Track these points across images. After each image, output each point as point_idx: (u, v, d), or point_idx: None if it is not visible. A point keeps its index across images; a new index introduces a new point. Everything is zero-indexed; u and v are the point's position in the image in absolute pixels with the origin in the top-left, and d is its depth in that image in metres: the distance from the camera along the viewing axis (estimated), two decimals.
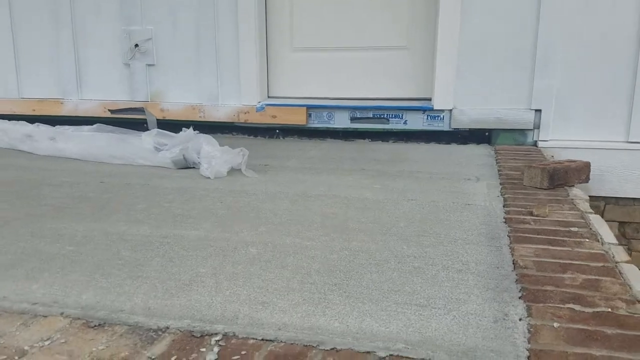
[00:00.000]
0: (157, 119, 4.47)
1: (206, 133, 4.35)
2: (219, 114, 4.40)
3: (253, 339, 1.26)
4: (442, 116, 4.02)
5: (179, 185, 2.77)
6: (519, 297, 1.49)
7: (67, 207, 2.35)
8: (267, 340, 1.26)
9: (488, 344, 1.26)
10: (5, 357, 1.14)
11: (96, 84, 4.61)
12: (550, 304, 1.43)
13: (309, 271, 1.66)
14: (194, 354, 1.19)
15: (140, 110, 4.49)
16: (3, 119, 4.54)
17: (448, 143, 4.02)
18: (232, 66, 4.36)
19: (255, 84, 4.36)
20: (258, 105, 4.32)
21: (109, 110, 4.53)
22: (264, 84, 4.49)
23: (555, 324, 1.33)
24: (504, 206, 2.36)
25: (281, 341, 1.25)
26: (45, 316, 1.35)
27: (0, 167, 3.20)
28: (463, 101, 3.93)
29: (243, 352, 1.20)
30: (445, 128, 4.03)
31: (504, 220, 2.17)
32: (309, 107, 4.29)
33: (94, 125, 4.11)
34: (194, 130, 3.55)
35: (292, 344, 1.24)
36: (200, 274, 1.63)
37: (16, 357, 1.15)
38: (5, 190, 2.65)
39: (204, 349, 1.21)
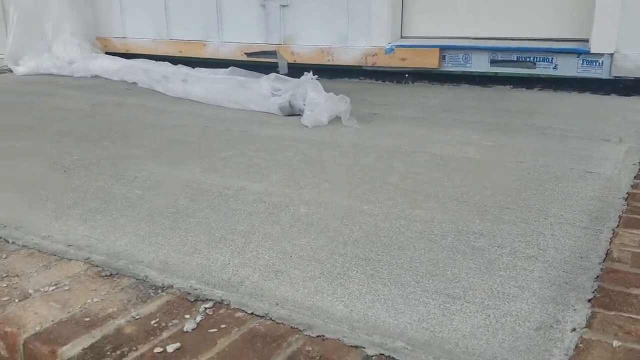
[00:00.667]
0: (287, 63, 4.49)
1: (333, 78, 4.30)
2: (347, 57, 4.25)
3: (242, 311, 1.18)
4: (600, 61, 3.39)
5: (273, 133, 2.74)
6: (588, 300, 1.19)
7: (159, 150, 2.46)
8: (256, 315, 1.17)
9: (510, 358, 1.02)
10: (7, 298, 1.22)
11: (235, 27, 4.74)
12: (624, 314, 1.12)
13: (347, 240, 1.51)
14: (175, 319, 1.15)
15: (273, 53, 4.53)
16: (156, 59, 4.94)
17: (606, 94, 3.40)
18: (364, 3, 4.15)
19: (385, 22, 4.10)
20: (387, 47, 4.08)
21: (245, 53, 4.65)
22: (397, 23, 4.21)
23: (616, 343, 1.03)
24: (634, 177, 1.91)
25: (270, 319, 1.15)
26: (70, 260, 1.42)
27: (127, 107, 3.47)
28: (628, 43, 3.25)
29: (222, 326, 1.13)
30: (604, 76, 3.41)
31: (625, 196, 1.76)
32: (442, 48, 3.93)
33: (228, 69, 4.25)
34: (316, 75, 3.47)
35: (279, 323, 1.14)
36: (234, 232, 1.58)
37: (16, 300, 1.22)
38: (117, 130, 2.87)
39: (187, 316, 1.16)
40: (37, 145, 2.56)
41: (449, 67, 3.93)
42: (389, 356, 1.03)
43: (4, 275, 1.33)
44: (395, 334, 1.10)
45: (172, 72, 4.15)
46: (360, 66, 4.22)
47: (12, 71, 4.99)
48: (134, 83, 4.29)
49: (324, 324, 1.13)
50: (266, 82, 3.53)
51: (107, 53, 5.27)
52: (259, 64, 4.55)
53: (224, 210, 1.74)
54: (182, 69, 4.42)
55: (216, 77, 3.83)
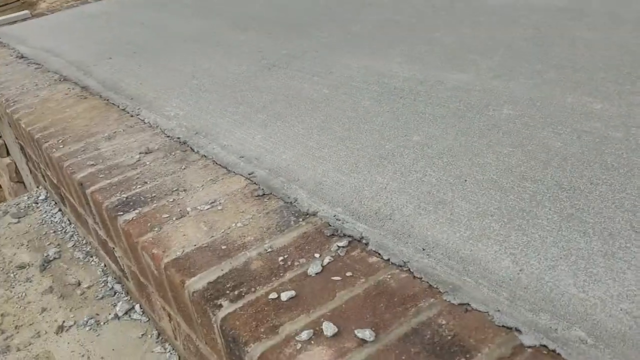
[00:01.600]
0: None
1: None
2: None
3: (378, 256, 0.97)
4: None
5: (505, 1, 2.24)
6: None
7: (365, 37, 2.25)
8: (392, 263, 0.95)
9: None
10: (167, 216, 1.25)
11: None
12: None
13: (551, 158, 1.12)
14: (303, 258, 1.02)
15: None
16: None
17: None
18: None
19: None
20: None
21: None
22: None
23: None
24: None
25: (408, 270, 0.93)
26: (235, 174, 1.38)
27: None
28: None
29: (348, 274, 0.95)
30: None
31: None
32: None
33: None
34: None
35: (416, 278, 0.90)
36: (407, 144, 1.33)
37: (174, 218, 1.24)
38: (329, 12, 2.72)
39: (317, 255, 1.01)
40: (253, 38, 2.60)
41: None
42: (553, 350, 0.72)
43: (174, 189, 1.37)
44: (576, 316, 0.77)
45: None
46: None
47: None
48: None
49: (475, 287, 0.86)
50: None
51: None
52: None
53: (406, 115, 1.49)
54: None
55: None
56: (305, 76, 1.95)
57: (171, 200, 1.32)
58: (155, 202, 1.32)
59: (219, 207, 1.25)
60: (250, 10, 3.19)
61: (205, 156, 1.53)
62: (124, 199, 1.36)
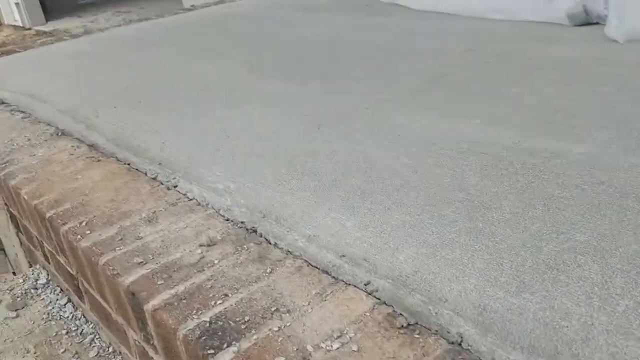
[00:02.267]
0: None
1: None
2: None
3: None
4: None
5: (568, 54, 2.02)
6: None
7: (419, 91, 1.96)
8: None
9: None
10: (283, 359, 0.90)
11: None
12: None
13: None
14: None
15: None
16: None
17: None
18: None
19: None
20: None
21: None
22: None
23: None
24: None
25: None
26: (346, 284, 1.04)
27: (367, 30, 3.01)
28: None
29: None
30: None
31: None
32: None
33: None
34: None
35: None
36: (578, 249, 1.03)
37: None
38: (363, 62, 2.44)
39: None
40: (281, 89, 2.27)
41: None
42: None
43: (272, 307, 1.01)
44: None
45: None
46: None
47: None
48: None
49: None
50: None
51: None
52: None
53: (540, 200, 1.19)
54: None
55: None
56: (370, 139, 1.63)
57: (275, 329, 0.96)
58: (253, 331, 0.96)
59: (353, 347, 0.90)
60: (264, 54, 2.86)
61: (290, 252, 1.19)
62: (207, 324, 0.99)
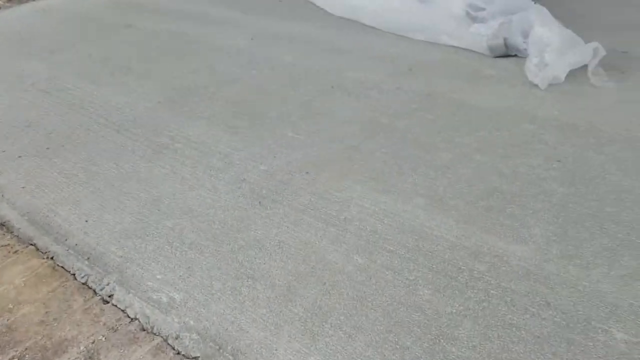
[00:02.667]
0: None
1: None
2: None
3: None
4: None
5: (494, 104, 2.03)
6: None
7: (357, 150, 1.90)
8: None
9: None
10: None
11: None
12: None
13: None
14: None
15: None
16: None
17: None
18: None
19: None
20: None
21: None
22: None
23: None
24: None
25: None
26: None
27: (283, 41, 2.85)
28: None
29: None
30: None
31: None
32: None
33: None
34: None
35: None
36: None
37: None
38: (289, 100, 2.31)
39: None
40: (212, 136, 2.10)
41: None
42: None
43: None
44: None
45: None
46: None
47: None
48: None
49: None
50: None
51: None
52: None
53: (495, 328, 1.22)
54: None
55: None
56: (315, 223, 1.57)
57: None
58: None
59: None
60: (189, 79, 2.64)
61: None
62: None
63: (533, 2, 2.35)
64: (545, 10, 2.28)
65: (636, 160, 1.65)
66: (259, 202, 1.68)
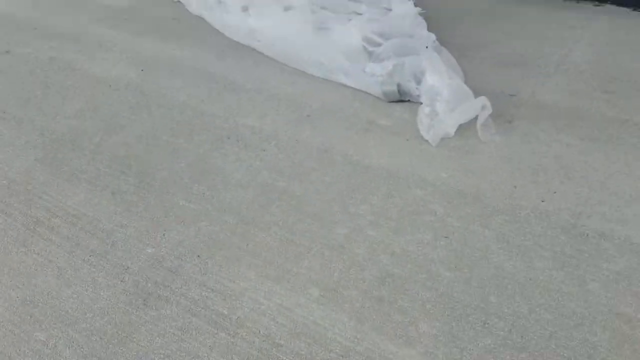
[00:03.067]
0: None
1: None
2: None
3: None
4: None
5: (385, 162, 1.99)
6: None
7: (246, 222, 1.80)
8: None
9: None
10: None
11: None
12: None
13: None
14: None
15: None
16: None
17: None
18: None
19: None
20: None
21: None
22: None
23: None
24: None
25: None
26: None
27: (178, 69, 2.64)
28: None
29: None
30: None
31: None
32: None
33: None
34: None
35: None
36: None
37: None
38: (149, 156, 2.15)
39: None
40: (91, 206, 1.91)
41: None
42: None
43: None
44: None
45: None
46: None
47: None
48: (179, 1, 3.32)
49: None
50: (356, 29, 2.62)
51: None
52: None
53: None
54: None
55: (283, 16, 2.85)
56: (206, 327, 1.46)
57: None
58: None
59: None
60: (71, 125, 2.38)
61: None
62: None
63: (425, 47, 2.31)
64: (436, 56, 2.25)
65: (517, 236, 1.67)
66: (144, 300, 1.54)
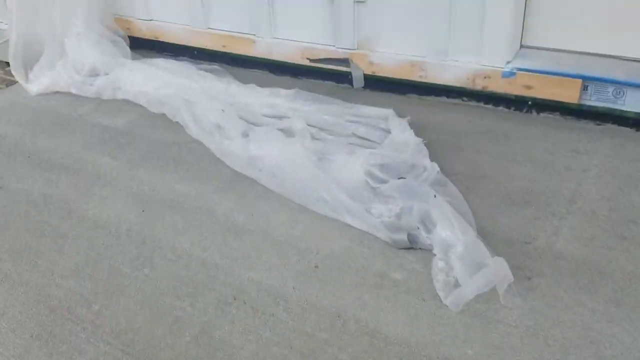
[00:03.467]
0: (364, 74, 3.34)
1: (425, 95, 3.21)
2: (446, 76, 3.09)
3: None
4: None
5: (401, 332, 1.84)
6: None
7: None
8: None
9: None
10: None
11: (292, 21, 3.46)
12: None
13: None
14: None
15: (345, 61, 3.35)
16: (192, 51, 3.83)
17: None
18: (472, 6, 2.87)
19: (503, 32, 2.89)
20: (506, 70, 2.92)
21: (308, 59, 3.46)
22: (517, 29, 2.95)
23: None
24: None
25: None
26: None
27: (183, 218, 2.51)
28: None
29: None
30: None
31: None
32: (585, 79, 2.76)
33: (292, 91, 3.28)
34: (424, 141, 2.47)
35: None
36: None
37: None
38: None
39: None
40: None
41: (592, 101, 2.80)
42: None
43: None
44: None
45: (222, 118, 3.04)
46: (464, 88, 3.08)
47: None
48: (177, 122, 3.23)
49: None
50: (358, 164, 2.53)
51: (130, 38, 4.09)
52: (327, 71, 3.45)
53: None
54: (232, 88, 3.37)
55: (285, 143, 2.77)
56: None
57: None
58: None
59: None
60: (68, 287, 2.24)
61: None
62: None
63: (433, 196, 2.21)
64: (446, 207, 2.15)
65: None
66: None
